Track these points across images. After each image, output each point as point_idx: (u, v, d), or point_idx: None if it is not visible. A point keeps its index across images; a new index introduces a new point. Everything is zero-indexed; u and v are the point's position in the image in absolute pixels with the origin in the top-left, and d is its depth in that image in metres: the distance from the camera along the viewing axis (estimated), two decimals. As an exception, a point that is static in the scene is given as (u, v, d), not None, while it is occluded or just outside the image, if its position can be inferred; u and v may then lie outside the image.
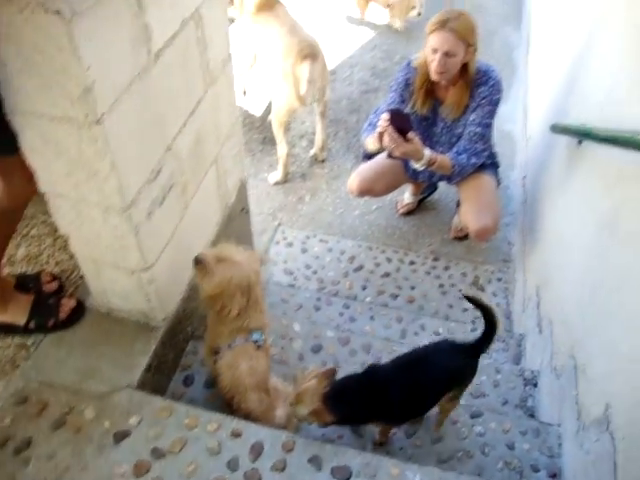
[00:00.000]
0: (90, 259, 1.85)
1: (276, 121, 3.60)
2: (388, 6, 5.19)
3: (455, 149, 2.80)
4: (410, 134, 2.56)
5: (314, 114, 4.29)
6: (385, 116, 2.55)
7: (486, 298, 1.83)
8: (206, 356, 2.02)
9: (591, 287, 1.95)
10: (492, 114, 2.76)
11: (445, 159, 2.73)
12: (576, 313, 2.04)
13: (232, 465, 1.65)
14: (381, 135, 2.60)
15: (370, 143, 2.85)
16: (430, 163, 2.68)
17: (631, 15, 2.12)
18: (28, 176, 1.59)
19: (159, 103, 1.63)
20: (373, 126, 2.86)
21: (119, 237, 1.65)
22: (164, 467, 1.64)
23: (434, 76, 2.68)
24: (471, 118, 2.76)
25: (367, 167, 3.20)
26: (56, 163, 1.52)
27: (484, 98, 2.72)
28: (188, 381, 2.13)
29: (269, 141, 4.04)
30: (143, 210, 1.66)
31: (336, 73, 4.80)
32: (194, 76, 1.83)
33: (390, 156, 2.69)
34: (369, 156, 3.11)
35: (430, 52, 2.63)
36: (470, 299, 1.84)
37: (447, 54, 2.57)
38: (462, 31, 2.54)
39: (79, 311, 2.03)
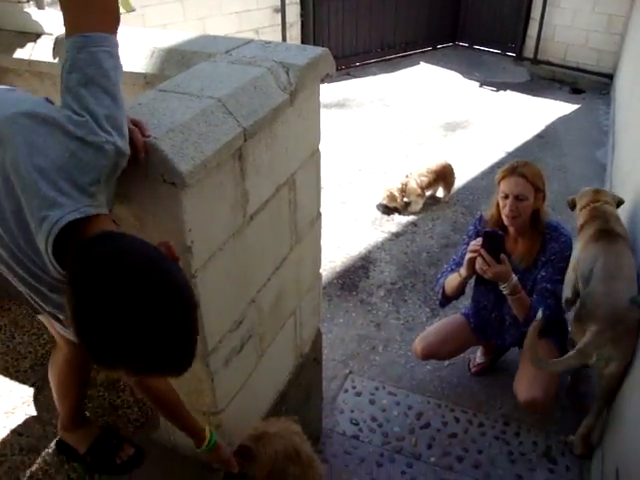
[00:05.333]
0: (164, 397, 1.93)
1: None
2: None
3: None
4: (502, 256, 2.63)
5: (392, 264, 4.41)
6: (476, 241, 2.67)
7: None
8: None
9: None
10: (563, 271, 2.78)
11: (526, 296, 2.75)
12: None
13: None
14: (471, 261, 2.68)
15: (452, 279, 2.92)
16: (514, 290, 2.70)
17: None
18: None
19: (248, 259, 1.76)
20: (448, 273, 2.99)
21: (196, 381, 1.72)
22: None
23: (506, 221, 2.75)
24: (542, 274, 2.78)
25: (433, 331, 3.24)
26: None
27: (555, 254, 2.75)
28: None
29: (347, 287, 4.15)
30: (222, 357, 1.74)
31: (418, 226, 4.95)
32: (282, 235, 1.96)
33: (478, 281, 2.80)
34: (447, 300, 3.12)
35: (501, 199, 2.73)
36: None
37: (518, 197, 2.66)
38: (531, 176, 2.66)
39: (136, 460, 2.05)
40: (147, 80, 2.02)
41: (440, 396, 3.35)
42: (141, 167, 1.34)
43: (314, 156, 2.06)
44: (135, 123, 1.35)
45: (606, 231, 2.90)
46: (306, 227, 2.12)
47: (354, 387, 3.33)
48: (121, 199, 1.44)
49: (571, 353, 2.61)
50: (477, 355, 3.52)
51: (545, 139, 6.46)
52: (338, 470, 2.56)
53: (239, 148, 1.53)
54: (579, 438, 2.96)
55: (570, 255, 2.80)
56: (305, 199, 2.05)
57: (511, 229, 2.83)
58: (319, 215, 2.22)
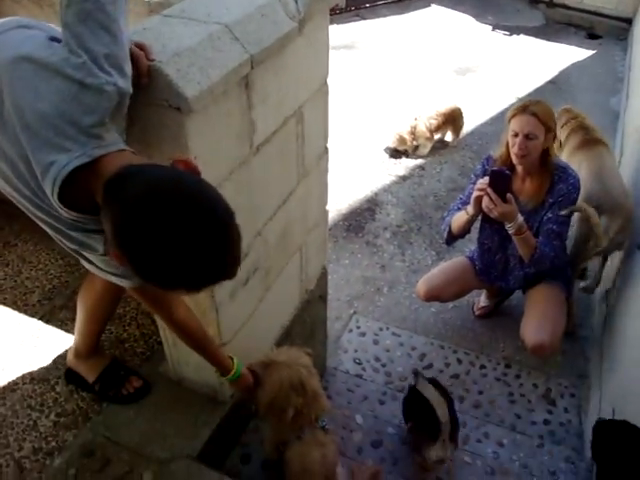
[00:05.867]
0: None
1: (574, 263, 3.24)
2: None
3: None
4: (508, 195, 2.62)
5: (399, 206, 4.39)
6: (483, 180, 2.65)
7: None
8: (270, 449, 2.03)
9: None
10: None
11: (532, 237, 2.75)
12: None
13: None
14: (478, 200, 2.68)
15: (458, 218, 2.92)
16: (520, 230, 2.69)
17: None
18: None
19: (254, 191, 1.75)
20: (454, 211, 2.98)
21: (201, 312, 1.74)
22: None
23: (515, 160, 2.72)
24: (549, 215, 2.77)
25: (436, 273, 3.24)
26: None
27: (562, 195, 2.73)
28: (245, 458, 2.16)
29: (353, 229, 4.15)
30: (227, 289, 1.74)
31: (425, 169, 4.91)
32: (289, 168, 1.95)
33: (485, 219, 2.80)
34: (453, 239, 3.11)
35: (511, 137, 2.70)
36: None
37: (528, 136, 2.63)
38: (543, 115, 2.61)
39: (142, 392, 2.10)
40: (151, 8, 1.98)
41: (443, 338, 3.38)
42: (145, 92, 1.32)
43: (322, 89, 2.03)
44: (139, 46, 1.31)
45: (588, 140, 3.42)
46: (313, 162, 2.10)
47: (358, 327, 3.36)
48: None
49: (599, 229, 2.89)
50: (481, 298, 3.54)
51: (557, 85, 6.34)
52: (341, 407, 2.60)
53: (246, 76, 1.49)
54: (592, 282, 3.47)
55: (577, 197, 2.78)
56: (313, 133, 2.02)
57: (519, 168, 2.80)
58: (326, 151, 2.20)
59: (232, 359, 1.78)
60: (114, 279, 1.47)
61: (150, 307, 1.62)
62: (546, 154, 2.73)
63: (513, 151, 2.70)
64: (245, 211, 1.72)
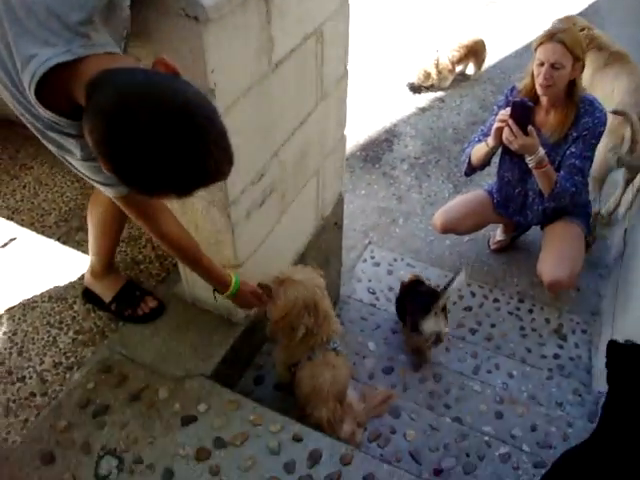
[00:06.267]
0: (186, 249, 1.95)
1: (592, 176, 3.19)
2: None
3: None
4: (530, 127, 2.56)
5: (417, 138, 4.33)
6: (505, 111, 2.59)
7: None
8: (281, 371, 2.05)
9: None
10: (593, 148, 2.69)
11: (553, 171, 2.69)
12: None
13: (289, 467, 1.70)
14: (499, 131, 2.62)
15: (479, 149, 2.86)
16: (541, 163, 2.64)
17: None
18: None
19: (272, 110, 1.71)
20: (475, 142, 2.92)
21: (216, 232, 1.73)
22: (224, 457, 1.70)
23: (540, 91, 2.64)
24: (572, 149, 2.69)
25: (454, 205, 3.21)
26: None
27: (587, 129, 2.65)
28: (258, 380, 2.20)
29: (370, 159, 4.10)
30: (243, 209, 1.73)
31: (445, 102, 4.81)
32: (308, 89, 1.90)
33: (506, 151, 2.74)
34: (472, 170, 3.07)
35: (536, 66, 2.60)
36: None
37: (554, 66, 2.53)
38: (570, 43, 2.50)
39: (157, 312, 2.12)
40: None
41: (458, 270, 3.37)
42: (161, 1, 1.27)
43: (344, 9, 1.96)
44: None
45: (618, 54, 3.40)
46: (332, 84, 2.05)
47: (373, 257, 3.37)
48: (140, 38, 1.39)
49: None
50: (497, 232, 3.51)
51: (587, 18, 6.08)
52: (354, 334, 2.63)
53: (265, -13, 1.45)
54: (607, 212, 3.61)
55: (603, 132, 2.69)
56: (332, 54, 1.97)
57: (544, 100, 2.71)
58: (346, 73, 2.14)
59: (228, 274, 1.78)
60: (101, 188, 1.45)
61: (137, 219, 1.58)
62: (573, 85, 2.62)
63: (538, 81, 2.61)
64: (262, 130, 1.70)
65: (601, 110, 2.66)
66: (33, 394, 1.94)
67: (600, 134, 2.68)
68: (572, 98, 2.66)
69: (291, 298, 1.79)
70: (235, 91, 1.48)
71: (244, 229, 1.78)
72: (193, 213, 1.76)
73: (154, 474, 1.66)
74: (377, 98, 4.80)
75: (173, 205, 1.77)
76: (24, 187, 2.82)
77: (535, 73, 2.62)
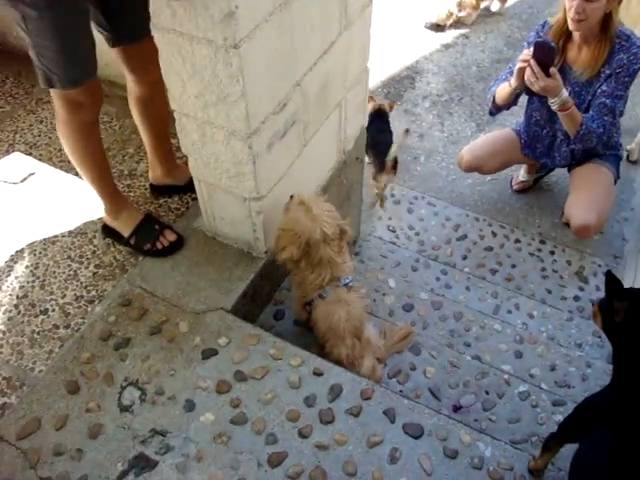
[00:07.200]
0: (205, 181, 1.92)
1: None
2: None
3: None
4: (552, 69, 2.45)
5: (440, 75, 4.20)
6: (528, 50, 2.48)
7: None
8: (299, 311, 2.04)
9: None
10: (627, 86, 2.57)
11: (578, 113, 2.57)
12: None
13: (309, 401, 1.70)
14: (521, 71, 2.52)
15: (503, 88, 2.76)
16: (565, 105, 2.53)
17: None
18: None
19: (295, 38, 1.64)
20: (501, 81, 2.80)
21: (237, 163, 1.70)
22: (244, 390, 1.71)
23: (571, 26, 2.50)
24: (603, 88, 2.57)
25: (481, 143, 3.12)
26: (189, 83, 1.57)
27: (621, 67, 2.51)
28: (279, 315, 2.19)
29: (392, 96, 4.00)
30: (264, 140, 1.69)
31: (469, 38, 4.65)
32: (331, 17, 1.82)
33: (528, 92, 2.63)
34: (497, 109, 2.96)
35: (568, 0, 2.45)
36: None
37: None
38: None
39: (177, 246, 2.10)
40: None
41: (479, 210, 3.33)
42: None
43: None
44: None
45: None
46: (356, 13, 1.96)
47: (393, 195, 3.32)
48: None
49: None
50: (520, 173, 3.43)
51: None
52: (374, 271, 2.61)
53: None
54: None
55: (638, 70, 2.55)
56: (356, -20, 1.88)
57: (576, 35, 2.57)
58: (370, 2, 2.05)
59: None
60: None
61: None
62: (608, 19, 2.47)
63: (569, 15, 2.46)
64: (284, 58, 1.63)
65: (638, 46, 2.50)
66: (56, 326, 1.97)
67: (635, 72, 2.53)
68: (607, 33, 2.51)
69: (293, 219, 1.78)
70: (257, 16, 1.42)
71: (265, 161, 1.74)
72: (213, 145, 1.72)
73: (176, 405, 1.67)
74: (398, 34, 4.64)
75: (193, 136, 1.74)
76: (41, 122, 2.80)
77: (567, 6, 2.47)
